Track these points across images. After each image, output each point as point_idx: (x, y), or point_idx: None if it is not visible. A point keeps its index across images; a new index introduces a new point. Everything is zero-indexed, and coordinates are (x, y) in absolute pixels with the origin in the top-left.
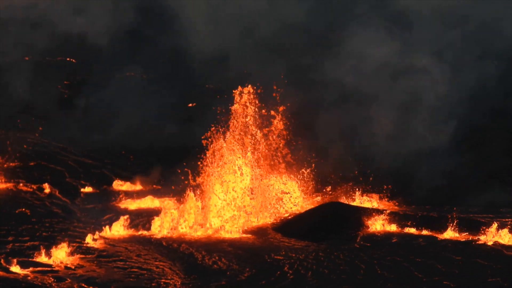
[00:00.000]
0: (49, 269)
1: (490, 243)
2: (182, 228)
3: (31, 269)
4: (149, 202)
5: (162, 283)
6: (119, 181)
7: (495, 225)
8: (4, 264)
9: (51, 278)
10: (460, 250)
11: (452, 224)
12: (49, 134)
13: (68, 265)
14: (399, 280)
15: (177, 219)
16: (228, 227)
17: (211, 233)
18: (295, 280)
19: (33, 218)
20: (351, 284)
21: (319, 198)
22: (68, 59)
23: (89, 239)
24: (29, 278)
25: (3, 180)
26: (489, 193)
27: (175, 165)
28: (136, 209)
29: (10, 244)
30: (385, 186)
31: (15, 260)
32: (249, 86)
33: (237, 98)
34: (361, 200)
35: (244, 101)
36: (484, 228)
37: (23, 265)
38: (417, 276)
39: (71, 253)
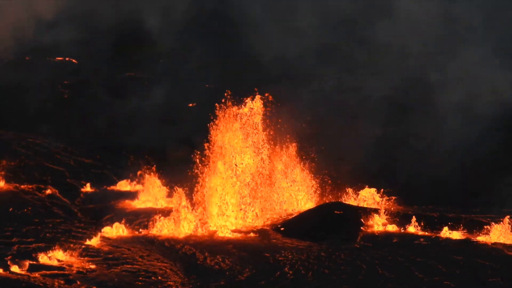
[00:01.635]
0: (61, 272)
1: (490, 243)
2: (183, 228)
3: (43, 272)
4: (149, 202)
5: (166, 285)
6: (119, 181)
7: (496, 225)
8: (13, 266)
9: (62, 281)
10: (461, 250)
11: (453, 224)
12: (49, 134)
13: (79, 269)
14: (400, 280)
15: (178, 219)
16: (229, 227)
17: (210, 233)
18: (295, 280)
19: (35, 219)
20: (351, 284)
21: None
22: (67, 59)
23: (93, 240)
24: (40, 280)
25: (4, 181)
26: (491, 193)
27: (176, 164)
28: (136, 209)
29: (16, 245)
30: (388, 189)
31: (27, 263)
32: (266, 94)
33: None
34: (360, 200)
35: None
36: (485, 228)
37: (34, 267)
38: (417, 276)
39: (79, 255)
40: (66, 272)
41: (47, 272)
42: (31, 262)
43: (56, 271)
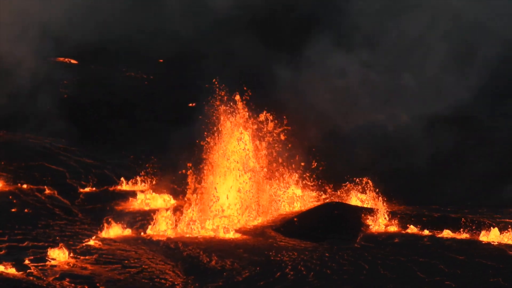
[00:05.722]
0: (87, 280)
1: (494, 244)
2: (184, 228)
3: (67, 280)
4: (150, 202)
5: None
6: (119, 181)
7: (499, 225)
8: (35, 271)
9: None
10: (464, 250)
11: (456, 224)
12: (49, 134)
13: (107, 278)
14: (401, 280)
15: (178, 219)
16: (229, 227)
17: (212, 233)
18: (295, 281)
19: (41, 221)
20: (352, 284)
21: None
22: (67, 59)
23: (101, 243)
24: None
25: (4, 182)
26: (494, 193)
27: (176, 164)
28: (137, 209)
29: (30, 249)
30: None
31: (49, 268)
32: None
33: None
34: (361, 200)
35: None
36: (488, 228)
37: (55, 273)
38: (419, 276)
39: (96, 262)
40: (95, 281)
41: (76, 280)
42: (53, 268)
43: (82, 280)
